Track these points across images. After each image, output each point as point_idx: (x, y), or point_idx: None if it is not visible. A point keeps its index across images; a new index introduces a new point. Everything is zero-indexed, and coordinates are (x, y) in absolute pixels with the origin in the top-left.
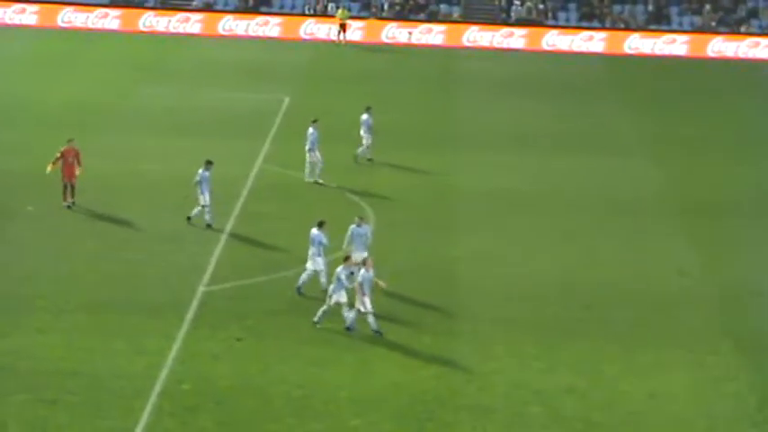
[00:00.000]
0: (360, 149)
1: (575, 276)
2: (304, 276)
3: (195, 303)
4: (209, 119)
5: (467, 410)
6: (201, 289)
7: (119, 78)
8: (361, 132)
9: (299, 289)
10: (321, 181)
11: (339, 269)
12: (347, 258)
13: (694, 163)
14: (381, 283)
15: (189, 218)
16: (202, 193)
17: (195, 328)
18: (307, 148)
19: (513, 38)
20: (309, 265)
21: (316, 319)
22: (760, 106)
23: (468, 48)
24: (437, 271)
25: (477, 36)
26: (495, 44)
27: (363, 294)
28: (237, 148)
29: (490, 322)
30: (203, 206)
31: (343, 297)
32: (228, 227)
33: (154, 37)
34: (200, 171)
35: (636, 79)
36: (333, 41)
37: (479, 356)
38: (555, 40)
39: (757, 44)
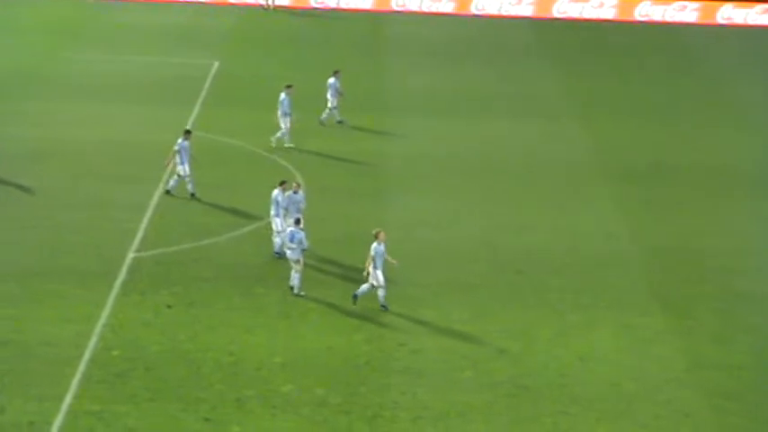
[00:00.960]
0: (325, 113)
1: (505, 241)
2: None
3: (124, 270)
4: (136, 84)
5: (399, 374)
6: (131, 255)
7: (42, 43)
8: (328, 95)
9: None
10: (288, 145)
11: (292, 231)
12: (298, 221)
13: (622, 127)
14: (393, 261)
15: (168, 191)
16: (182, 163)
17: (124, 295)
18: (279, 113)
19: (442, 2)
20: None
21: (296, 291)
22: (686, 70)
23: (397, 12)
24: (367, 236)
25: (407, 0)
26: (425, 8)
27: (375, 268)
28: (166, 114)
29: (421, 287)
30: (184, 177)
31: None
32: (158, 193)
33: (78, 1)
34: (180, 141)
35: (564, 43)
36: (261, 6)
37: (411, 321)
38: (484, 3)
39: (684, 8)
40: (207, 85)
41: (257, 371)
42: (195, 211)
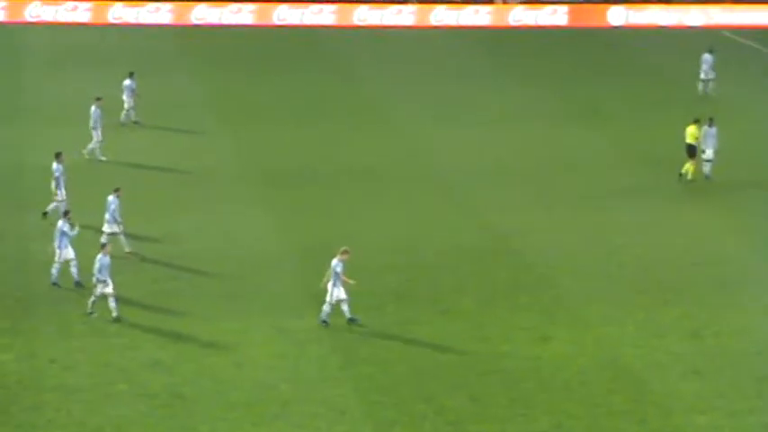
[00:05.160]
0: (123, 114)
1: (153, 249)
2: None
3: None
4: None
5: (51, 392)
6: None
7: None
8: (124, 97)
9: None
10: (103, 158)
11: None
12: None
13: (263, 131)
14: (349, 280)
15: (45, 213)
16: (59, 187)
17: None
18: (90, 126)
19: (78, 11)
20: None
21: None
22: (325, 73)
23: (31, 23)
24: (10, 250)
25: (41, 11)
26: (59, 18)
27: (334, 285)
28: None
29: (69, 300)
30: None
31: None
32: None
33: None
34: (54, 165)
35: (203, 50)
36: None
37: (61, 336)
38: (121, 12)
39: (321, 11)
40: None
41: None
42: None
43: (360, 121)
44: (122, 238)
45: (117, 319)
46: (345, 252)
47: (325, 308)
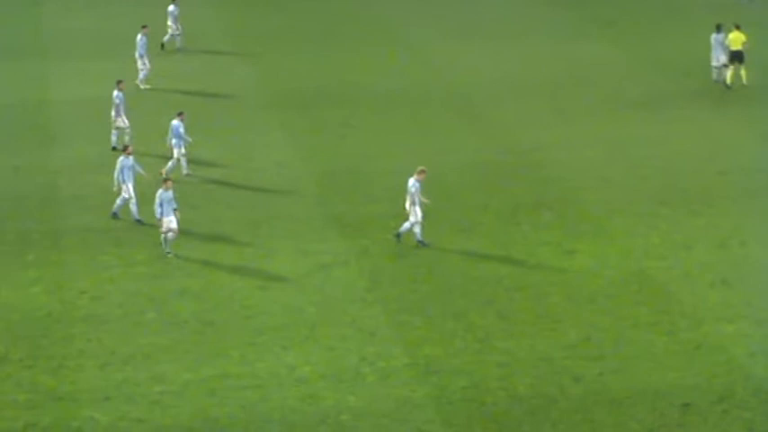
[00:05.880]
0: (166, 37)
1: (179, 177)
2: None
3: None
4: None
5: (82, 323)
6: None
7: None
8: (169, 22)
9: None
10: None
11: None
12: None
13: (282, 56)
14: (425, 200)
15: (114, 148)
16: (119, 114)
17: None
18: (137, 54)
19: None
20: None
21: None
22: None
23: None
24: (36, 185)
25: None
26: None
27: (414, 204)
28: None
29: (96, 232)
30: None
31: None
32: None
33: None
34: (115, 92)
35: None
36: None
37: (90, 268)
38: None
39: None
40: None
41: None
42: None
43: (376, 42)
44: (183, 161)
45: (168, 254)
46: (422, 172)
47: (415, 229)
